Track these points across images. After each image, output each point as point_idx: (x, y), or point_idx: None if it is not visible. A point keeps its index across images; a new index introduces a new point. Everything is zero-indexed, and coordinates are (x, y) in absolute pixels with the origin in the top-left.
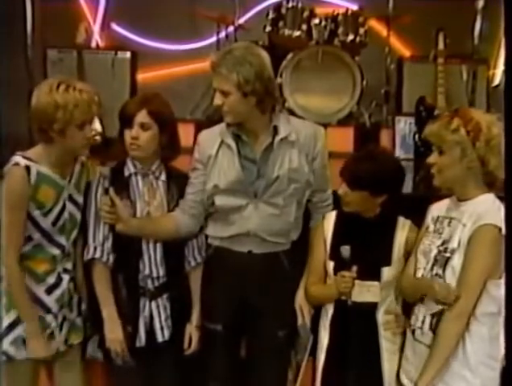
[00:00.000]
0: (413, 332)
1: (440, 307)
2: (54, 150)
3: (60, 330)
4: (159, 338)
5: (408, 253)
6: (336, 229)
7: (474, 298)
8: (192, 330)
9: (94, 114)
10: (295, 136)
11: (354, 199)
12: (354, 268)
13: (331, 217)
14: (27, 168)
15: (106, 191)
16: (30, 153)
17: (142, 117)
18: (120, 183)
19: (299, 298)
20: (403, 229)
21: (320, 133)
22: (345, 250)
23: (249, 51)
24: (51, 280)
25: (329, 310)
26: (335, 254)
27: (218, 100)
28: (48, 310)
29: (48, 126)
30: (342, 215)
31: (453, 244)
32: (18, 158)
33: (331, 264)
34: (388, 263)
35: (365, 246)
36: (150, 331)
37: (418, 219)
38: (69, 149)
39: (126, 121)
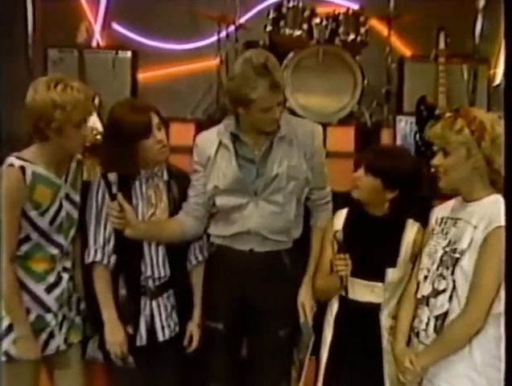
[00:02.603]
0: (417, 334)
1: (445, 309)
2: (49, 149)
3: (60, 329)
4: (160, 338)
5: (415, 256)
6: (346, 227)
7: (489, 302)
8: (193, 329)
9: (91, 113)
10: (293, 134)
11: (366, 184)
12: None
13: (341, 215)
14: (22, 169)
15: (115, 197)
16: (25, 154)
17: (154, 119)
18: (122, 187)
19: (302, 296)
20: (412, 231)
21: (317, 130)
22: (339, 233)
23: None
24: (51, 279)
25: (334, 307)
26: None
27: (277, 114)
28: (48, 309)
29: (45, 125)
30: (352, 214)
31: (463, 245)
32: (12, 159)
33: (333, 259)
34: (393, 264)
35: (373, 245)
36: (151, 330)
37: (419, 218)
38: (65, 148)
39: (141, 131)
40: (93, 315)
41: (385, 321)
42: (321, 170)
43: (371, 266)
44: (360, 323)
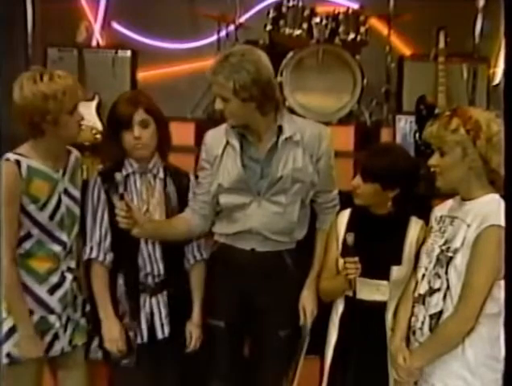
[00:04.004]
0: (413, 333)
1: (439, 308)
2: (45, 143)
3: (65, 330)
4: (159, 335)
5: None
6: (349, 227)
7: (481, 301)
8: (192, 328)
9: (81, 98)
10: (299, 136)
11: (366, 191)
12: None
13: (344, 215)
14: (17, 162)
15: (122, 196)
16: (21, 150)
17: (140, 115)
18: (116, 184)
19: (303, 299)
20: (415, 228)
21: (325, 133)
22: (350, 236)
23: (246, 57)
24: (54, 279)
25: (339, 307)
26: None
27: (219, 104)
28: (52, 311)
29: (41, 118)
30: (355, 213)
31: (456, 244)
32: (8, 155)
33: (342, 262)
34: (398, 262)
35: (377, 244)
36: (151, 328)
37: (419, 218)
38: (62, 138)
39: (123, 122)
40: (93, 314)
41: (390, 320)
42: (329, 174)
43: (376, 265)
44: (365, 322)
